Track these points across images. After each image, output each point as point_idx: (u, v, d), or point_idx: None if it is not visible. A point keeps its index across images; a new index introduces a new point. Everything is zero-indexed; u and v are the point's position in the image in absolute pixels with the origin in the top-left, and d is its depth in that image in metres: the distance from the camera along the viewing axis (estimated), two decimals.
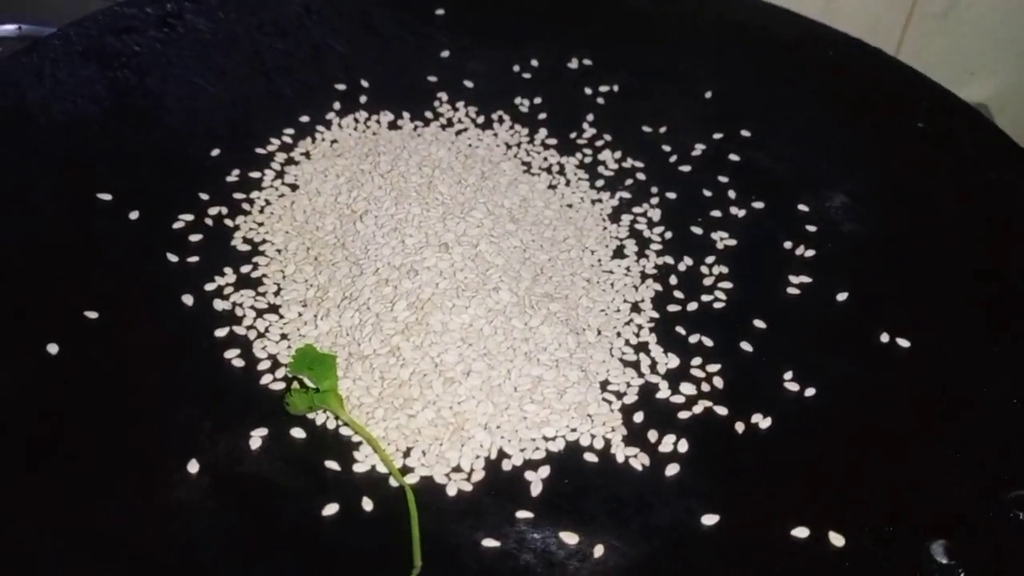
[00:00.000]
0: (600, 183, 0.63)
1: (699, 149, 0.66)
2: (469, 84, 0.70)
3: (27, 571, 0.39)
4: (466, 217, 0.57)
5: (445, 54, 0.72)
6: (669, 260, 0.58)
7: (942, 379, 0.52)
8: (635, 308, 0.56)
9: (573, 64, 0.72)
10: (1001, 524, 0.44)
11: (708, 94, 0.70)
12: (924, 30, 0.86)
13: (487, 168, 0.63)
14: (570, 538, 0.43)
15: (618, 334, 0.54)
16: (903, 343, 0.53)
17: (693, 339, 0.54)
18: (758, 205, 0.62)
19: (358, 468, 0.46)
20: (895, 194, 0.63)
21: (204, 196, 0.59)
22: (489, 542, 0.43)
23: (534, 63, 0.72)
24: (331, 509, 0.44)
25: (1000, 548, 0.43)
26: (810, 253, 0.59)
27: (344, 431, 0.47)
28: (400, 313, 0.51)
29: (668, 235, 0.60)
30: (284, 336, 0.52)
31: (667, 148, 0.66)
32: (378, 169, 0.61)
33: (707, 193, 0.63)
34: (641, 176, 0.64)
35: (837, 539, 0.43)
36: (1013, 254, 0.58)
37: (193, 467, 0.44)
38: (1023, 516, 0.44)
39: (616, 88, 0.71)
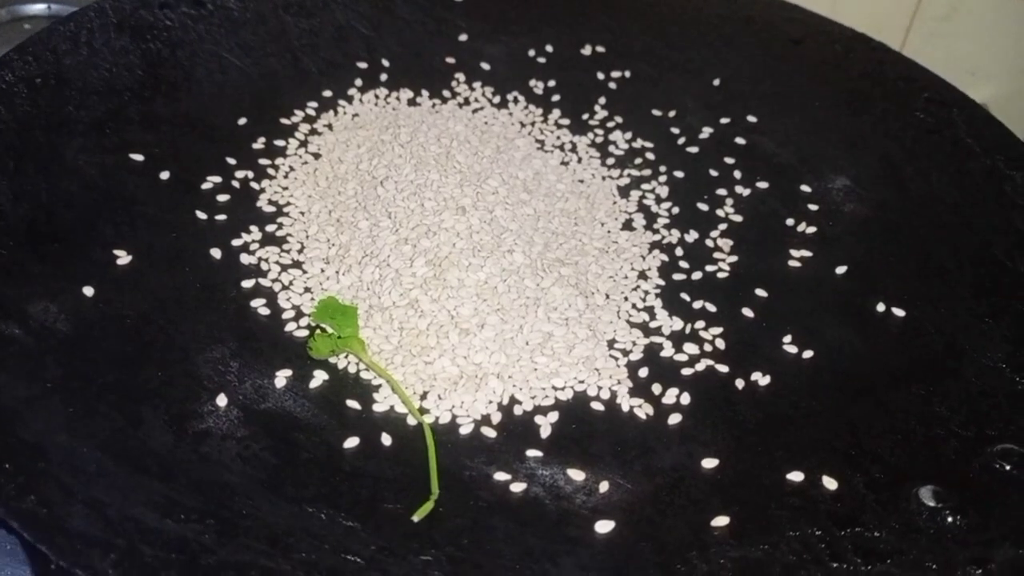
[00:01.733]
0: (611, 161, 0.66)
1: (706, 132, 0.69)
2: (486, 66, 0.73)
3: (76, 481, 0.41)
4: (482, 185, 0.60)
5: (463, 38, 0.75)
6: (676, 233, 0.61)
7: (934, 345, 0.54)
8: (642, 276, 0.58)
9: (587, 50, 0.75)
10: (985, 473, 0.46)
11: (716, 82, 0.73)
12: (927, 32, 0.88)
13: (502, 143, 0.65)
14: (577, 475, 0.46)
15: (625, 298, 0.56)
16: (898, 312, 0.56)
17: (697, 305, 0.56)
18: (762, 185, 0.65)
19: (377, 408, 0.48)
20: (894, 178, 0.66)
21: (231, 160, 0.62)
22: (501, 475, 0.45)
23: (549, 48, 0.75)
24: (352, 442, 0.46)
25: (984, 494, 0.45)
26: (811, 230, 0.62)
27: (364, 376, 0.50)
28: (419, 269, 0.54)
29: (675, 210, 0.63)
30: (307, 289, 0.54)
31: (675, 131, 0.69)
32: (398, 140, 0.64)
33: (713, 173, 0.66)
34: (650, 156, 0.67)
35: (830, 483, 0.46)
36: (1001, 234, 0.61)
37: (222, 400, 0.47)
38: (1007, 467, 0.46)
39: (627, 74, 0.73)
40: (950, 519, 0.44)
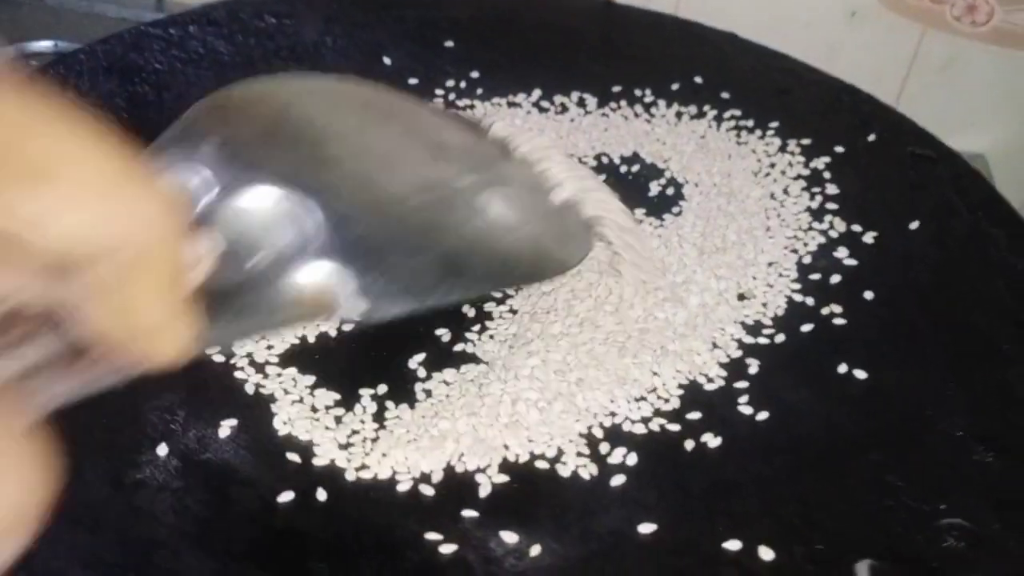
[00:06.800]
0: None
1: None
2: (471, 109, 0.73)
3: None
4: None
5: (450, 83, 0.75)
6: None
7: (895, 411, 0.53)
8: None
9: (574, 98, 0.75)
10: (930, 548, 0.45)
11: None
12: (924, 83, 0.87)
13: None
14: (510, 537, 0.45)
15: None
16: (860, 375, 0.55)
17: None
18: None
19: (317, 462, 0.48)
20: (872, 234, 0.65)
21: None
22: (431, 535, 0.45)
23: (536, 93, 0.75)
24: (286, 496, 0.46)
25: (924, 571, 0.44)
26: None
27: (303, 436, 0.49)
28: None
29: None
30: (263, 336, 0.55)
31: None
32: None
33: None
34: None
35: (767, 553, 0.45)
36: (979, 299, 0.60)
37: (163, 450, 0.47)
38: (952, 542, 0.45)
39: None
40: None
